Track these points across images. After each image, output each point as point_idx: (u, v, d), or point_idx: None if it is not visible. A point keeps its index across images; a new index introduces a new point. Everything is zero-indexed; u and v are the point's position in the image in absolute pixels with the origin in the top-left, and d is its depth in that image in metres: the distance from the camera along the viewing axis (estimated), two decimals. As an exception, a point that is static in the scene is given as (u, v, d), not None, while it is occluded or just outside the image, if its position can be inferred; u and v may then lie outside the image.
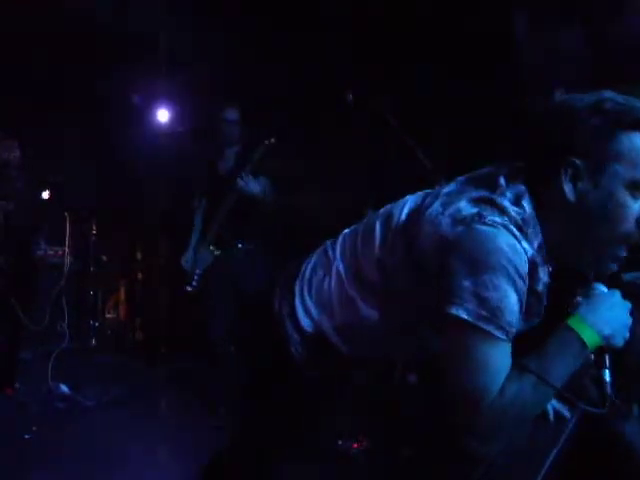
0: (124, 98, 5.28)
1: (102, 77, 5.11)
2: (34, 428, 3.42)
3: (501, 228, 1.25)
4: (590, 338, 1.28)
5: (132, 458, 3.16)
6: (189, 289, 3.76)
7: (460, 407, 1.25)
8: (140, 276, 5.58)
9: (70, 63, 4.99)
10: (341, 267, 1.50)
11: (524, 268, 1.26)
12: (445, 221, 1.29)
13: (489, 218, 1.26)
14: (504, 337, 1.24)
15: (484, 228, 1.25)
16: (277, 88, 4.69)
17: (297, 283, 1.56)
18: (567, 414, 1.64)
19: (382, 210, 1.52)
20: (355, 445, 3.43)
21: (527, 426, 1.37)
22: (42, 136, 5.33)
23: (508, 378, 1.23)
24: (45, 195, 4.66)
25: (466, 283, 1.22)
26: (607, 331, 1.30)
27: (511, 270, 1.23)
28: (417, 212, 1.39)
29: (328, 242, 1.62)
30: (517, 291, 1.24)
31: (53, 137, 5.56)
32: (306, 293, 1.54)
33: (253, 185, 3.59)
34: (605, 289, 1.38)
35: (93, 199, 5.22)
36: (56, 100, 5.34)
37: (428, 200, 1.39)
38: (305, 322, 1.51)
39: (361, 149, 4.71)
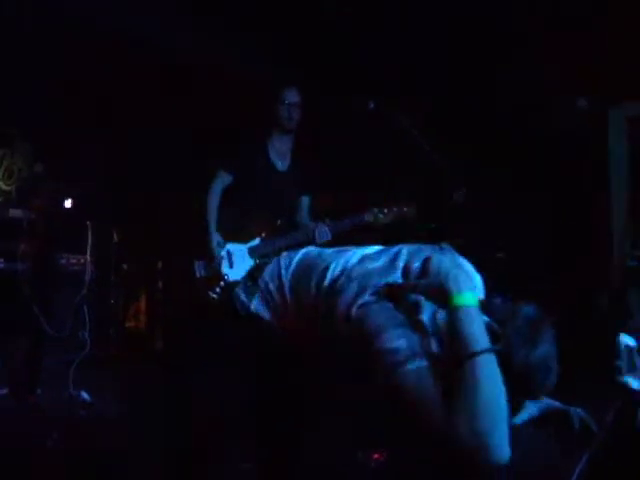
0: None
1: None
2: (55, 435, 3.44)
3: None
4: (471, 298, 1.48)
5: (151, 467, 3.16)
6: (213, 296, 3.51)
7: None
8: (161, 285, 5.59)
9: (96, 72, 5.05)
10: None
11: None
12: None
13: None
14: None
15: None
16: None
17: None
18: (593, 424, 1.62)
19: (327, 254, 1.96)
20: (376, 456, 3.39)
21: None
22: (65, 145, 5.40)
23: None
24: (67, 204, 4.71)
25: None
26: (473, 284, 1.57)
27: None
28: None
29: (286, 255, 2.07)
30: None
31: (77, 146, 5.63)
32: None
33: (325, 236, 3.31)
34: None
35: (115, 208, 5.26)
36: (79, 110, 5.41)
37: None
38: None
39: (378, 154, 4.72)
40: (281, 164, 3.48)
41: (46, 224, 4.37)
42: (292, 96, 3.42)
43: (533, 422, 1.71)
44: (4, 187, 5.46)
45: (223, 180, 3.43)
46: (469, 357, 1.36)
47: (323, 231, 3.28)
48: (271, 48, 4.87)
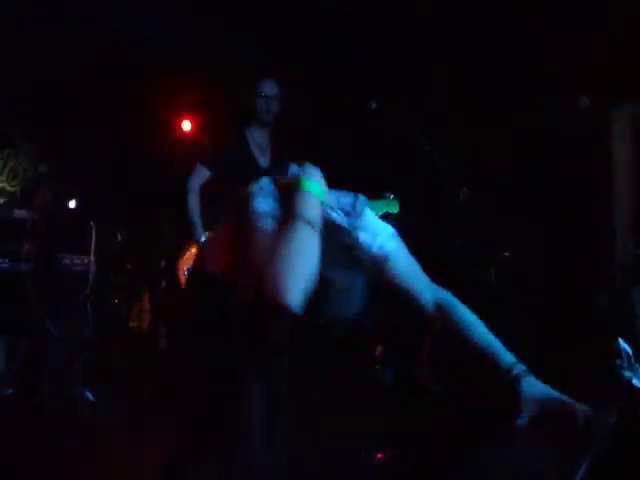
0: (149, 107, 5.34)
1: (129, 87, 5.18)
2: (59, 434, 3.46)
3: None
4: (319, 191, 1.78)
5: (154, 466, 3.17)
6: None
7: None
8: (164, 285, 5.61)
9: (99, 74, 5.07)
10: None
11: None
12: None
13: None
14: None
15: None
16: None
17: None
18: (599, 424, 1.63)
19: None
20: (379, 456, 3.39)
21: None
22: (69, 146, 5.43)
23: None
24: (71, 205, 4.73)
25: None
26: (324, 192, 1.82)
27: None
28: None
29: None
30: None
31: (80, 148, 5.66)
32: None
33: None
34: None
35: (118, 209, 5.28)
36: (86, 111, 5.43)
37: None
38: None
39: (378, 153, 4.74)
40: (263, 160, 3.39)
41: (49, 224, 4.39)
42: (269, 88, 3.31)
43: (534, 422, 1.72)
44: (9, 188, 5.49)
45: (201, 176, 3.31)
46: (296, 218, 1.65)
47: None
48: (270, 47, 4.88)
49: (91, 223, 4.46)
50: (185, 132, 5.95)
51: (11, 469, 3.09)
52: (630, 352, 1.52)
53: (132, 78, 5.23)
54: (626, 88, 4.55)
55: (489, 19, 4.42)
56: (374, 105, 3.34)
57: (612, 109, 4.95)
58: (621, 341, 1.47)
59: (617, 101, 4.85)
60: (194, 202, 3.31)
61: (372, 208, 3.34)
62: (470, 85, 4.73)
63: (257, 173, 3.30)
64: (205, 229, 3.28)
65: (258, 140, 3.40)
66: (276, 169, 3.39)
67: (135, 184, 5.84)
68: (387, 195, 3.36)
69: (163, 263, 5.61)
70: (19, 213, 4.38)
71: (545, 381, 1.78)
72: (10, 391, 4.19)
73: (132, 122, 5.77)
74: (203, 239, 3.22)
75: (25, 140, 5.60)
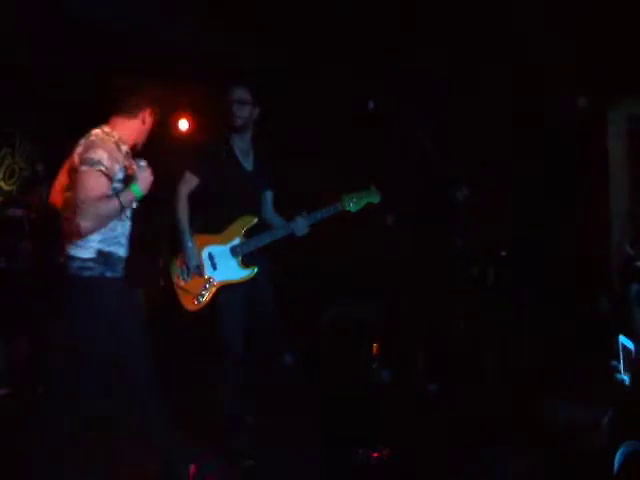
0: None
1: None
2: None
3: None
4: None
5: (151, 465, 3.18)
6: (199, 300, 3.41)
7: None
8: (162, 283, 5.59)
9: (99, 74, 5.05)
10: None
11: None
12: None
13: None
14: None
15: None
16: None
17: None
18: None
19: None
20: (375, 454, 3.39)
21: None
22: (66, 145, 5.41)
23: None
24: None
25: None
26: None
27: None
28: None
29: None
30: None
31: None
32: None
33: (305, 229, 3.40)
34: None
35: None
36: (83, 110, 5.42)
37: None
38: None
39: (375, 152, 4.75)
40: (247, 164, 3.47)
41: (46, 223, 4.38)
42: (239, 94, 3.38)
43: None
44: (5, 187, 5.47)
45: (190, 183, 3.38)
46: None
47: (300, 225, 3.35)
48: (269, 43, 4.88)
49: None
50: (182, 131, 5.95)
51: (8, 469, 3.09)
52: (632, 347, 1.53)
53: (130, 75, 5.21)
54: (622, 88, 4.56)
55: (491, 18, 4.42)
56: (372, 105, 3.37)
57: (609, 109, 4.96)
58: (623, 338, 1.48)
59: (614, 101, 4.86)
60: (182, 208, 3.37)
61: (354, 200, 3.43)
62: (469, 85, 4.74)
63: (241, 177, 3.40)
64: (192, 234, 3.35)
65: (240, 144, 3.47)
66: (259, 172, 3.49)
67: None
68: (368, 186, 3.48)
69: (161, 262, 5.60)
70: (15, 212, 4.37)
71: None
72: (6, 391, 4.18)
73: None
74: (190, 245, 3.30)
75: (22, 139, 5.59)
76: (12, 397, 4.14)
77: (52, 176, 4.66)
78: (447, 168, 3.34)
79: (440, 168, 3.33)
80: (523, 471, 2.94)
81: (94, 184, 2.55)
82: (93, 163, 2.57)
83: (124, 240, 2.81)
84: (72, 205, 2.60)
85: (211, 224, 3.39)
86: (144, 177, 2.70)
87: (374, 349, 4.59)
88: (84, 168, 2.57)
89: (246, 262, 3.34)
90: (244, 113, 3.38)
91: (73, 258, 2.69)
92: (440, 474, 3.20)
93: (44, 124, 5.38)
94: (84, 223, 2.54)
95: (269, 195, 3.59)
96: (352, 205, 3.46)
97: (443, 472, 3.20)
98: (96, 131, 2.74)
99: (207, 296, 3.30)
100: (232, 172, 3.41)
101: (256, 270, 3.34)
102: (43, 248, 4.32)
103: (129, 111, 2.80)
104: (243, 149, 3.48)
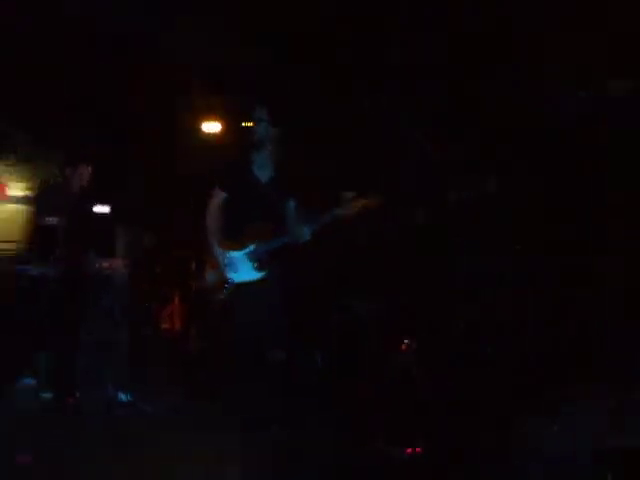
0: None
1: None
2: (94, 434, 3.53)
3: None
4: None
5: (184, 466, 3.23)
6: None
7: None
8: (194, 287, 5.67)
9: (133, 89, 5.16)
10: None
11: None
12: None
13: None
14: None
15: None
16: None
17: None
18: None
19: None
20: (409, 450, 3.42)
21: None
22: (97, 152, 5.53)
23: None
24: (102, 209, 4.82)
25: None
26: None
27: None
28: None
29: None
30: None
31: (108, 153, 5.76)
32: None
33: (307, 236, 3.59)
34: None
35: (147, 213, 5.36)
36: (114, 116, 5.54)
37: None
38: None
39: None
40: (264, 177, 3.76)
41: (79, 229, 4.47)
42: (258, 113, 3.73)
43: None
44: (36, 194, 5.63)
45: (219, 197, 3.77)
46: None
47: (302, 232, 3.55)
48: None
49: (120, 227, 4.54)
50: (209, 135, 6.02)
51: (50, 469, 3.17)
52: None
53: (157, 82, 5.32)
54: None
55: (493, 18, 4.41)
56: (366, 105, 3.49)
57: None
58: None
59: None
60: (214, 221, 3.75)
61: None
62: (470, 84, 4.73)
63: (259, 189, 3.70)
64: (219, 241, 3.72)
65: (258, 160, 3.76)
66: (278, 184, 3.75)
67: (163, 188, 5.94)
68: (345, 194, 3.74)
69: (193, 265, 5.68)
70: (49, 219, 4.48)
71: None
72: (49, 395, 4.29)
73: (158, 125, 5.87)
74: (219, 254, 3.68)
75: (53, 147, 5.72)
76: (51, 400, 4.25)
77: (84, 183, 4.79)
78: (447, 167, 3.39)
79: (440, 167, 3.35)
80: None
81: None
82: None
83: None
84: None
85: (232, 232, 3.72)
86: None
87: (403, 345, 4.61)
88: None
89: (259, 265, 3.66)
90: (261, 131, 3.71)
91: None
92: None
93: (74, 132, 5.51)
94: None
95: (291, 205, 3.78)
96: (350, 209, 3.60)
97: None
98: None
99: (226, 295, 3.67)
100: (251, 185, 3.75)
101: (266, 272, 3.65)
102: (76, 254, 4.42)
103: None
104: (262, 164, 3.76)
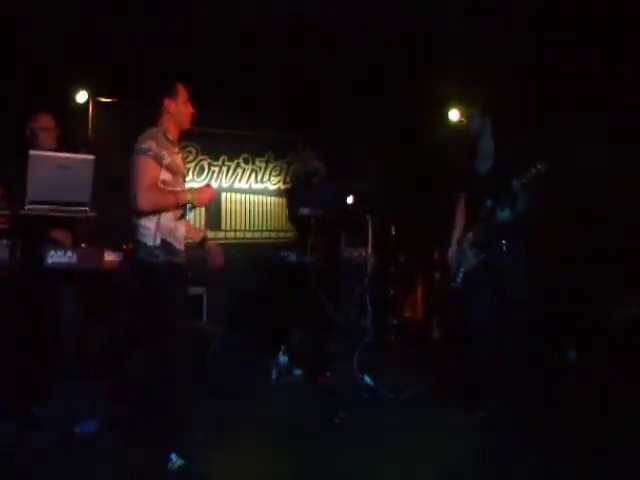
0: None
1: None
2: (342, 414, 3.72)
3: None
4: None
5: (422, 452, 3.27)
6: (453, 284, 4.00)
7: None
8: (437, 276, 5.66)
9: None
10: None
11: None
12: None
13: None
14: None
15: None
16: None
17: None
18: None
19: None
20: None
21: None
22: (344, 146, 5.81)
23: None
24: (349, 200, 5.04)
25: None
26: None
27: None
28: None
29: None
30: None
31: (355, 147, 6.01)
32: None
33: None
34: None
35: (393, 203, 5.47)
36: (360, 116, 5.77)
37: None
38: None
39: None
40: (483, 169, 3.95)
41: (331, 220, 4.75)
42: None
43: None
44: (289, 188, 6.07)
45: (463, 198, 4.12)
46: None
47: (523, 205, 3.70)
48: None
49: (367, 218, 4.71)
50: (454, 121, 5.93)
51: (296, 440, 3.42)
52: None
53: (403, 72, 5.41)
54: None
55: None
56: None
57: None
58: None
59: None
60: (459, 220, 4.13)
61: None
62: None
63: (480, 184, 3.96)
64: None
65: (480, 154, 3.99)
66: (498, 174, 3.87)
67: (408, 178, 6.02)
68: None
69: (436, 254, 5.68)
70: (304, 211, 4.82)
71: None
72: (300, 372, 4.64)
73: (402, 117, 5.97)
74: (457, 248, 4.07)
75: (305, 144, 6.12)
76: (304, 378, 4.57)
77: (332, 175, 5.07)
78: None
79: None
80: None
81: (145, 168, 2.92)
82: (143, 151, 2.93)
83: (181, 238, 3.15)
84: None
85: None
86: (201, 191, 3.12)
87: None
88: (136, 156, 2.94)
89: (476, 252, 3.92)
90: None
91: (144, 246, 3.00)
92: None
93: (324, 129, 5.82)
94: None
95: (516, 185, 3.78)
96: None
97: None
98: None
99: (459, 280, 4.03)
100: (478, 181, 3.97)
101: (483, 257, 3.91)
102: (329, 243, 4.71)
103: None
104: (481, 157, 3.97)
